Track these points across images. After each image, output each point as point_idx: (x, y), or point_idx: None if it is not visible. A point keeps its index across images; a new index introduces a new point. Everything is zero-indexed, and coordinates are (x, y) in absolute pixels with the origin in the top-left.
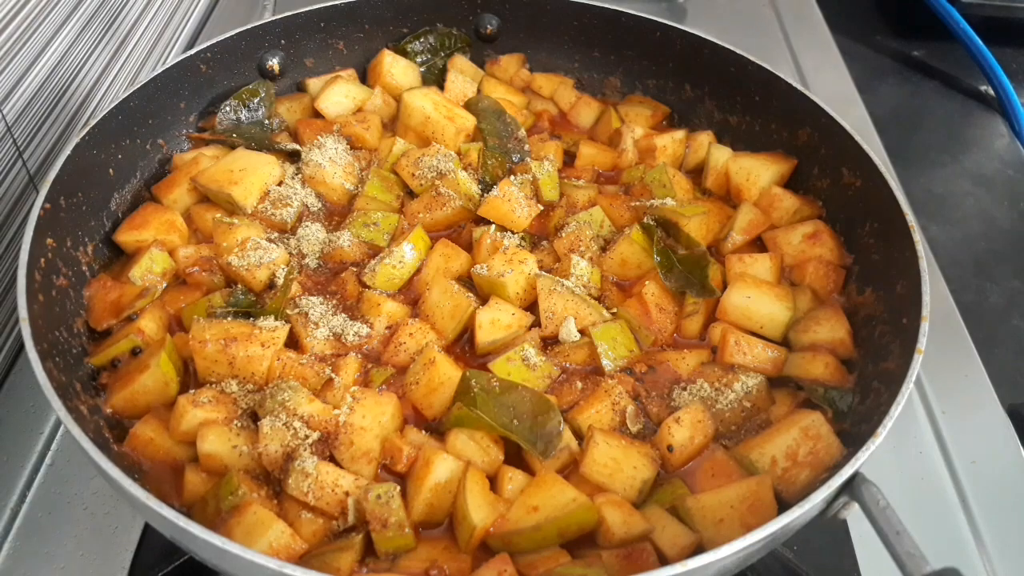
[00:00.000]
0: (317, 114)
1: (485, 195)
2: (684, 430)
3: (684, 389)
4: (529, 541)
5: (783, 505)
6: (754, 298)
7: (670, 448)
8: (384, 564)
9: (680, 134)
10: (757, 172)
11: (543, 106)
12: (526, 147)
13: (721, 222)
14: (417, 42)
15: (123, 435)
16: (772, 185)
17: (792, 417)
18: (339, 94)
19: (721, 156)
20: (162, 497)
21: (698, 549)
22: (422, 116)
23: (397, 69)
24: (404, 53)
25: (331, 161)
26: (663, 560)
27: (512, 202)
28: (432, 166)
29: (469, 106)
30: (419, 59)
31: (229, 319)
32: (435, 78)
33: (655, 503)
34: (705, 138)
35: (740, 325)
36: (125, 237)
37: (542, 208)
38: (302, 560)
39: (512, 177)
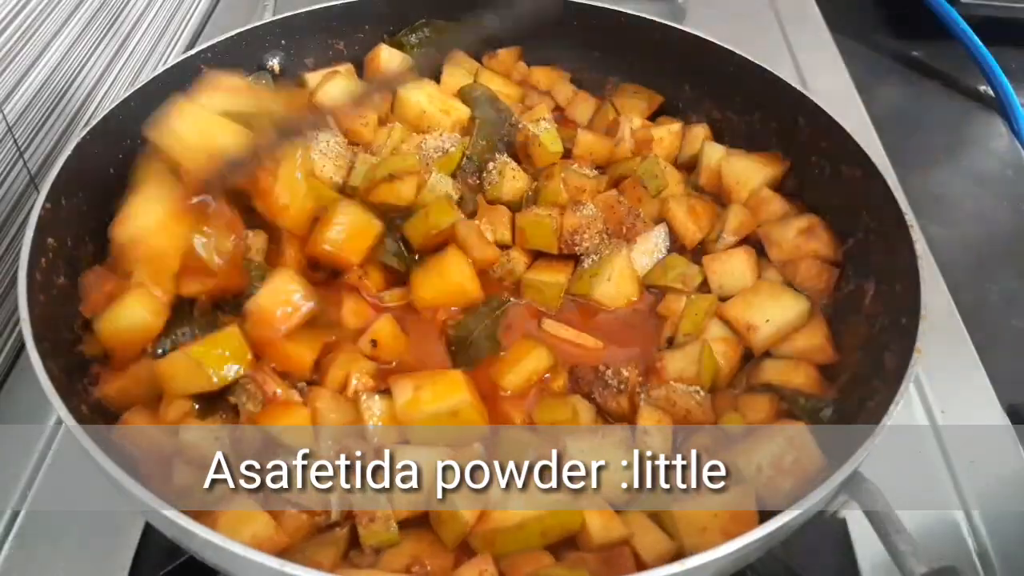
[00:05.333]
0: None
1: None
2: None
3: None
4: (512, 541)
5: (766, 513)
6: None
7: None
8: (367, 559)
9: (676, 127)
10: (748, 174)
11: (539, 99)
12: (520, 126)
13: (711, 221)
14: (413, 35)
15: None
16: (762, 187)
17: (776, 426)
18: (337, 89)
19: (714, 154)
20: (152, 489)
21: (677, 556)
22: (418, 110)
23: (394, 63)
24: (400, 46)
25: (322, 154)
26: (641, 566)
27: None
28: (438, 147)
29: (463, 94)
30: (414, 52)
31: None
32: (432, 70)
33: (637, 507)
34: (700, 131)
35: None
36: None
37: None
38: (284, 554)
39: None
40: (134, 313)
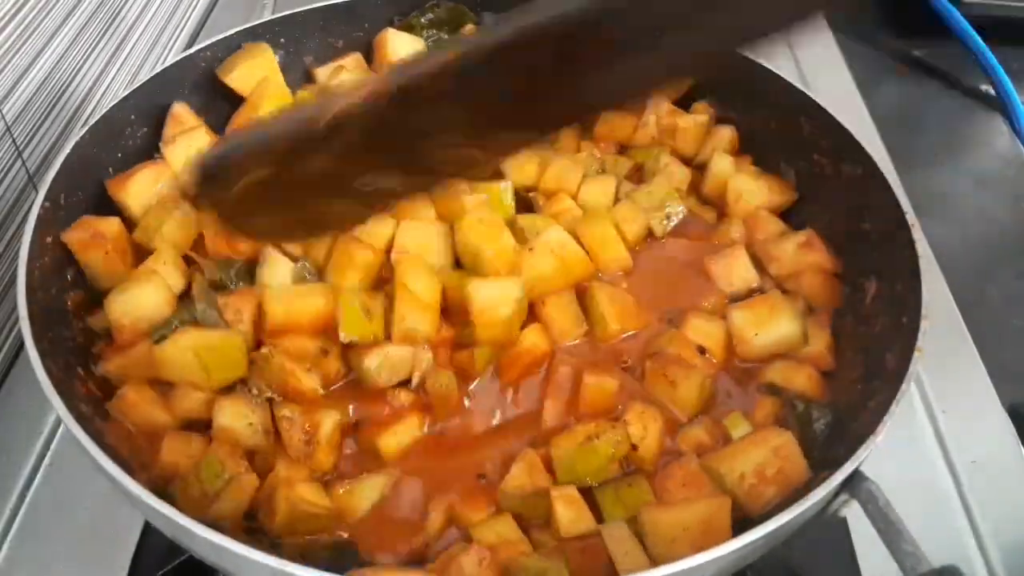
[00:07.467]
0: None
1: None
2: None
3: None
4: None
5: (747, 521)
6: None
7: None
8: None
9: (703, 119)
10: (750, 196)
11: None
12: None
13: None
14: (423, 17)
15: None
16: (760, 210)
17: (763, 434)
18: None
19: (723, 165)
20: (133, 468)
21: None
22: None
23: (401, 45)
24: (410, 28)
25: None
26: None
27: None
28: None
29: None
30: (425, 33)
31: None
32: None
33: (619, 503)
34: (726, 133)
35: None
36: None
37: None
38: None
39: None
40: (148, 299)
